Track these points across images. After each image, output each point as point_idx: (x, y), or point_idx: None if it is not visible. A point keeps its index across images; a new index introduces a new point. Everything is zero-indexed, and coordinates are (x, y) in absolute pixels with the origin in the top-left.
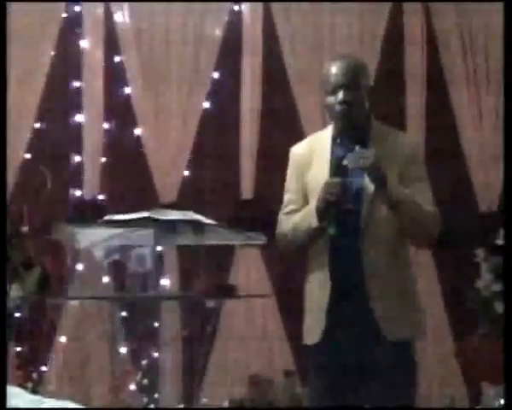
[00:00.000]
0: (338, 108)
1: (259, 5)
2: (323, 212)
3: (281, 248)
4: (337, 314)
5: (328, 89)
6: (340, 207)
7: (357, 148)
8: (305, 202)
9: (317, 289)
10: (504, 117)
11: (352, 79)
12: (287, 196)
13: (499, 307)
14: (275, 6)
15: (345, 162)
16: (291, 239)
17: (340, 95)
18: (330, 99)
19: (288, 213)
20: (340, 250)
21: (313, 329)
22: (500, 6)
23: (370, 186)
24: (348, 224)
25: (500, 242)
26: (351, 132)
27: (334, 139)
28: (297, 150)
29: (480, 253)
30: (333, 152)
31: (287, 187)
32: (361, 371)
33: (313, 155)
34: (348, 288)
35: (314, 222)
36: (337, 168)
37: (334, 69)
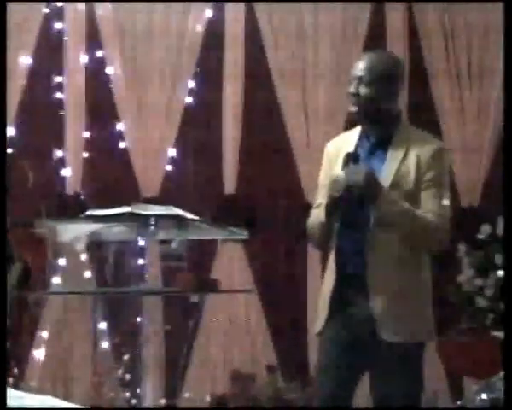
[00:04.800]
0: (351, 99)
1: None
2: (330, 207)
3: (308, 241)
4: (338, 307)
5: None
6: (345, 203)
7: (351, 164)
8: None
9: (326, 280)
10: (505, 116)
11: (370, 74)
12: (318, 190)
13: (481, 301)
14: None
15: (342, 177)
16: (311, 233)
17: (352, 87)
18: (348, 90)
19: (316, 206)
20: (347, 245)
21: (318, 318)
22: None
23: (384, 181)
24: (357, 219)
25: (481, 237)
26: (374, 131)
27: (360, 136)
28: (329, 146)
29: (462, 248)
30: (356, 149)
31: (319, 181)
32: (357, 365)
33: (341, 151)
34: (351, 283)
35: (323, 217)
36: (347, 165)
37: (358, 63)
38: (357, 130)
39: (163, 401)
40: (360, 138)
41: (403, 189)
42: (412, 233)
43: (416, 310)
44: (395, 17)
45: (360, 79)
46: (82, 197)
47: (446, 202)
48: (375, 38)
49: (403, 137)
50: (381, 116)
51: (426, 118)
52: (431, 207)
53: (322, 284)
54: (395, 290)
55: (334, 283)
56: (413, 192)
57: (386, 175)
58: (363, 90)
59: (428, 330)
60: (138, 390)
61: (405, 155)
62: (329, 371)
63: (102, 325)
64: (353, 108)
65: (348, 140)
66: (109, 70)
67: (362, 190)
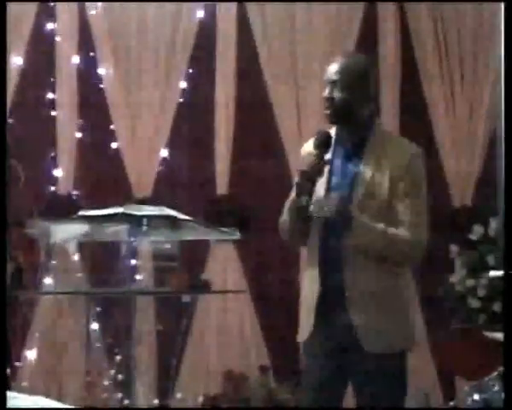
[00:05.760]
0: (325, 102)
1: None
2: (299, 180)
3: (281, 235)
4: (323, 317)
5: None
6: (315, 180)
7: (321, 195)
8: None
9: (309, 288)
10: (505, 116)
11: (344, 77)
12: None
13: (473, 302)
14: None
15: (311, 210)
16: (282, 221)
17: (327, 91)
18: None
19: None
20: (329, 251)
21: (303, 327)
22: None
23: (359, 187)
24: (337, 227)
25: (474, 237)
26: (348, 135)
27: (335, 141)
28: (305, 146)
29: (454, 248)
30: (328, 136)
31: None
32: (342, 376)
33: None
34: (334, 294)
35: (293, 195)
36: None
37: (331, 65)
38: (332, 133)
39: (156, 402)
40: (335, 143)
41: (377, 198)
42: (387, 253)
43: (394, 320)
44: (387, 16)
45: (334, 82)
46: (74, 198)
47: (422, 210)
48: (368, 37)
49: (377, 142)
50: (355, 119)
51: (418, 118)
52: (406, 218)
53: (303, 291)
54: (373, 301)
55: (318, 292)
56: (388, 200)
57: (360, 184)
58: (337, 94)
59: (407, 338)
60: (131, 391)
61: (380, 163)
62: (314, 380)
63: (95, 326)
64: (328, 112)
65: None
66: (101, 70)
67: (337, 217)
